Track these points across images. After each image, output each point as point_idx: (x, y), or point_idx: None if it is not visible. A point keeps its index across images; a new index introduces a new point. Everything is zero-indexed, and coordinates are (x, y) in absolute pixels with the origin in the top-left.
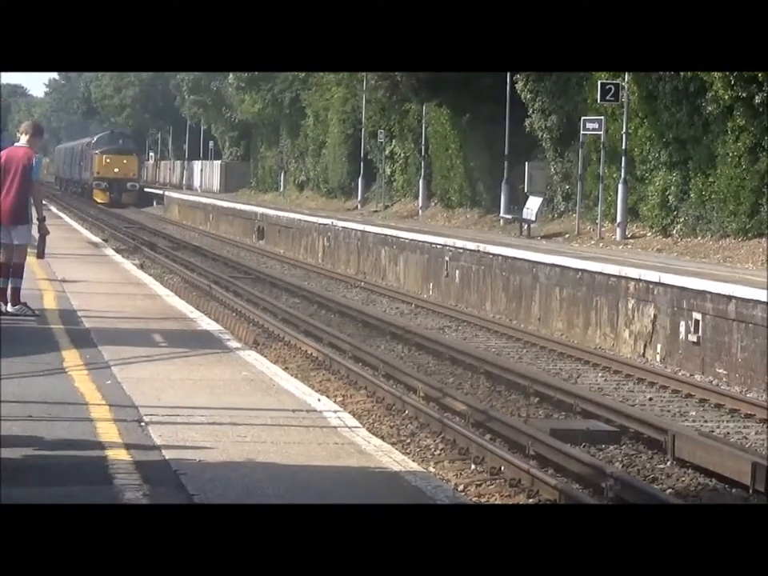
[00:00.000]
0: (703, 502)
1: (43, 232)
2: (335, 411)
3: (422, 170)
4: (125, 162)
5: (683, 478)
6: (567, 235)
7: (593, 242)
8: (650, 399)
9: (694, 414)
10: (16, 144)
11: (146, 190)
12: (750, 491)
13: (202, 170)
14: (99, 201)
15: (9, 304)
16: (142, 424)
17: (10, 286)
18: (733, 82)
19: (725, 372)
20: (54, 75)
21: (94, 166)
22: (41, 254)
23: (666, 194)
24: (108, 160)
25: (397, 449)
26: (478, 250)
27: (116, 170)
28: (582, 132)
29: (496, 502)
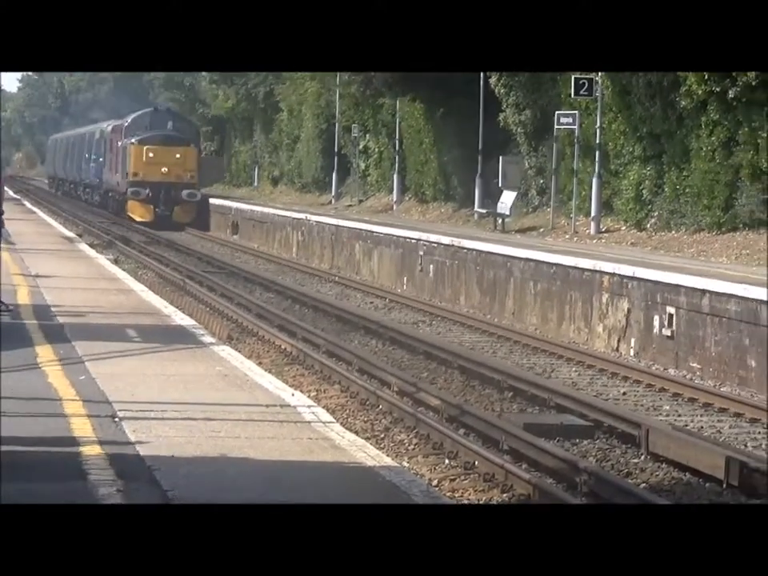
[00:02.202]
0: (686, 502)
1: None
2: (309, 406)
3: (396, 164)
4: (177, 156)
5: (657, 473)
6: (542, 229)
7: (567, 237)
8: (624, 394)
9: (667, 408)
10: None
11: None
12: (724, 485)
13: None
14: (138, 218)
15: None
16: (116, 419)
17: None
18: (706, 77)
19: (698, 366)
20: None
21: (129, 163)
22: None
23: (640, 188)
24: (151, 154)
25: (371, 444)
26: (452, 245)
27: (164, 169)
28: (556, 126)
29: (470, 498)
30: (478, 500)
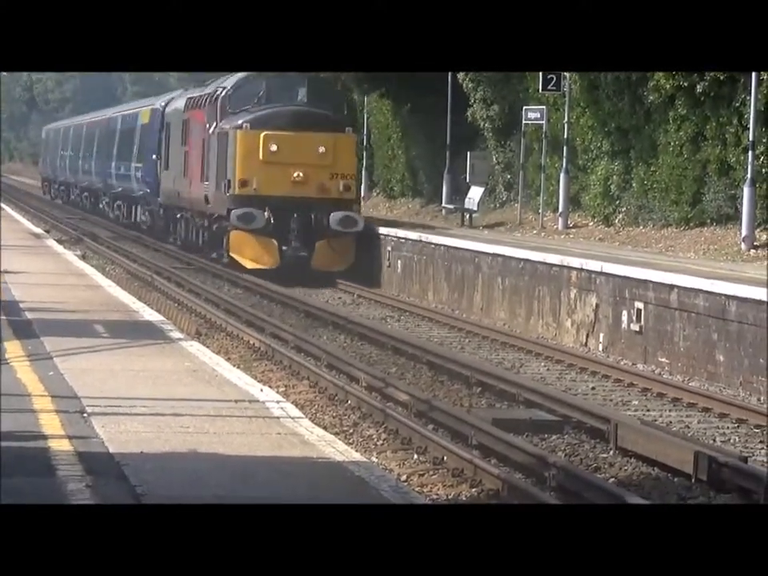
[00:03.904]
0: (655, 497)
1: None
2: (278, 402)
3: (364, 160)
4: (321, 150)
5: (626, 467)
6: (509, 225)
7: (535, 232)
8: (593, 389)
9: (636, 403)
10: None
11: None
12: (693, 480)
13: None
14: (250, 264)
15: None
16: (85, 415)
17: None
18: (674, 72)
19: (667, 361)
20: None
21: (233, 163)
22: None
23: (608, 183)
24: (274, 147)
25: (340, 439)
26: (420, 240)
27: (297, 174)
28: (523, 122)
29: (439, 493)
30: (447, 495)
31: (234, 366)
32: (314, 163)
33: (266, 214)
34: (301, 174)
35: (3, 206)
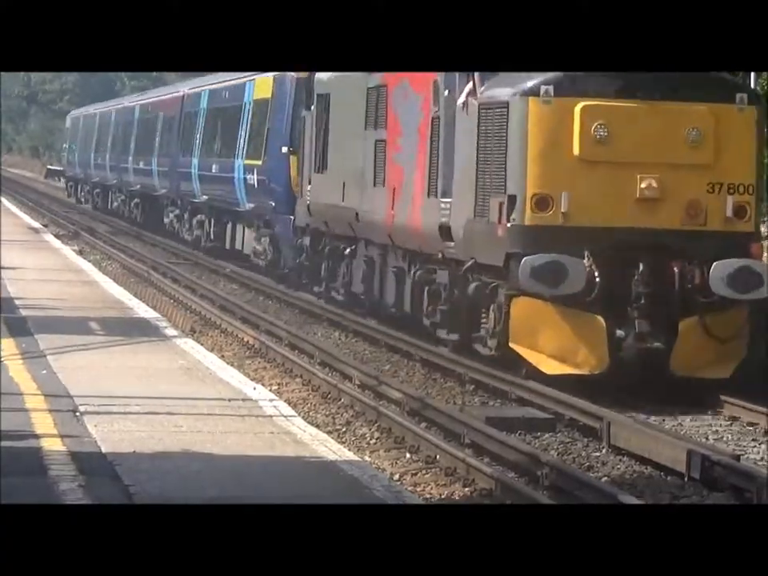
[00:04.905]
0: (648, 495)
1: None
2: (271, 400)
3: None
4: (693, 137)
5: (619, 466)
6: None
7: None
8: None
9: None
10: None
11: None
12: (686, 478)
13: None
14: (553, 365)
15: None
16: (78, 414)
17: None
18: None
19: None
20: None
21: (519, 165)
22: None
23: None
24: (604, 131)
25: (332, 438)
26: None
27: (647, 183)
28: None
29: (432, 492)
30: (440, 494)
31: (228, 363)
32: (679, 162)
33: (586, 263)
34: (654, 185)
35: (2, 199)
